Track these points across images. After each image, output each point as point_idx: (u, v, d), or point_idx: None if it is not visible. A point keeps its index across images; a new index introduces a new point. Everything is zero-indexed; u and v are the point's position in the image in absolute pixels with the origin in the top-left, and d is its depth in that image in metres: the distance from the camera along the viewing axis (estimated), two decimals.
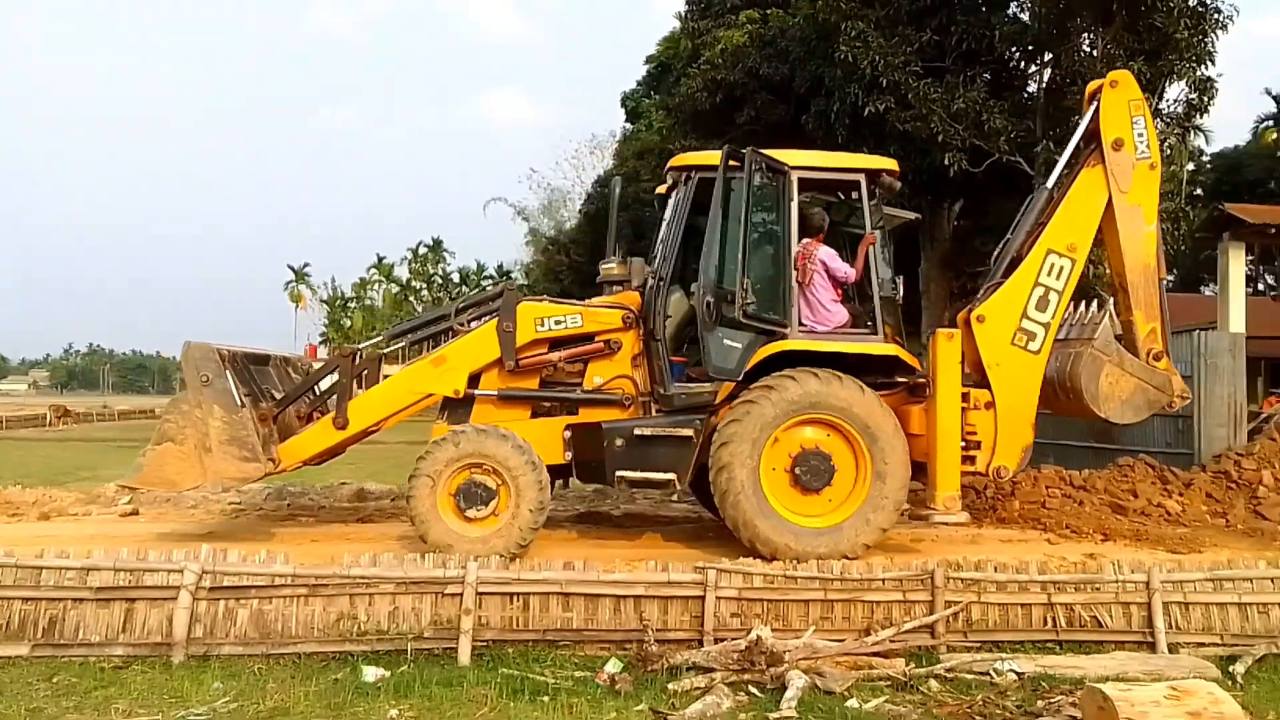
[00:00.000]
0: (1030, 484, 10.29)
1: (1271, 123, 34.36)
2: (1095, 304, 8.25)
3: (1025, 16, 17.32)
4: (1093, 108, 7.96)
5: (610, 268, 8.16)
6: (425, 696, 5.26)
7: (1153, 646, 6.34)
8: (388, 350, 8.51)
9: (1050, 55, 17.30)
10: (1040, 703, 5.32)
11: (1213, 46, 15.09)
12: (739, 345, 7.36)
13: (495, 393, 7.55)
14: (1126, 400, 7.79)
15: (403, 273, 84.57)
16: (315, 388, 7.95)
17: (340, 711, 5.03)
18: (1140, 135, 7.97)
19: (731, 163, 7.29)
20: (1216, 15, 15.01)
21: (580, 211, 46.66)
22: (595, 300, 7.98)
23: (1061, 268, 7.84)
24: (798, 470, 7.15)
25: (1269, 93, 34.46)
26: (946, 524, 7.74)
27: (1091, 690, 4.79)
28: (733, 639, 5.95)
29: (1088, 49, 16.08)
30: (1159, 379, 7.82)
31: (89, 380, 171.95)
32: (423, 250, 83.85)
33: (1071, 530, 8.66)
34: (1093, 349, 7.76)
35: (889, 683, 5.66)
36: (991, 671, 5.85)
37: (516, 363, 7.47)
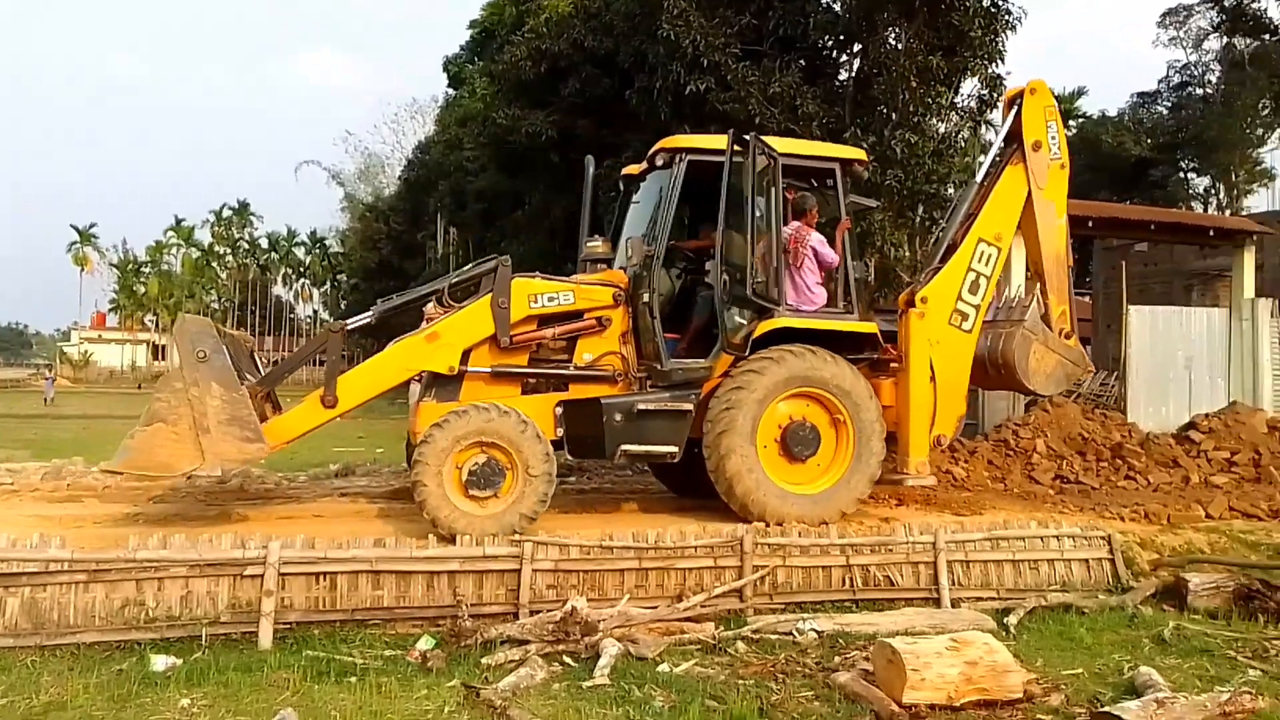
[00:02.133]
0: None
1: None
2: (1023, 288, 9.19)
3: (837, 7, 18.03)
4: (1014, 111, 8.79)
5: (595, 246, 8.37)
6: (221, 684, 4.96)
7: (938, 603, 6.86)
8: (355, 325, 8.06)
9: (859, 46, 18.14)
10: (837, 659, 5.61)
11: (1003, 46, 16.29)
12: (744, 321, 7.72)
13: (488, 369, 7.50)
14: (1050, 374, 8.67)
15: (204, 236, 79.30)
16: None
17: (125, 703, 4.68)
18: (1053, 138, 8.87)
19: (736, 148, 7.56)
20: (1008, 16, 16.19)
21: (400, 178, 45.22)
22: (584, 277, 8.08)
23: (990, 255, 8.60)
24: (787, 440, 7.60)
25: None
26: (920, 486, 8.37)
27: (881, 644, 5.12)
28: (549, 610, 5.97)
29: (893, 42, 16.96)
30: (1075, 354, 8.81)
31: None
32: (227, 213, 78.85)
33: (869, 497, 9.22)
34: (1024, 329, 8.55)
35: (699, 646, 5.83)
36: (794, 631, 6.13)
37: (510, 339, 7.45)
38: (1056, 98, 9.39)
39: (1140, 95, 38.89)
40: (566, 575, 6.29)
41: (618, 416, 7.44)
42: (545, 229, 30.69)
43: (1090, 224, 14.27)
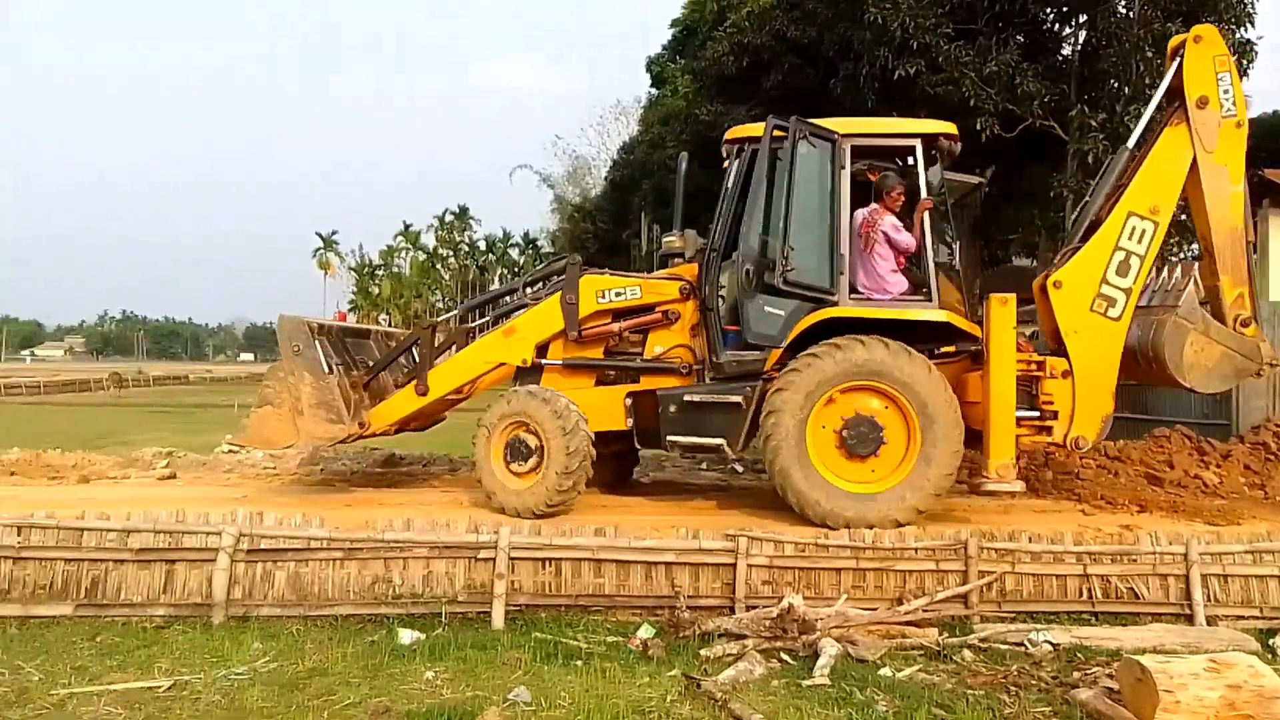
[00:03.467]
0: (1064, 455, 10.18)
1: None
2: (1179, 269, 7.96)
3: None
4: (1175, 64, 7.66)
5: (671, 241, 8.32)
6: (460, 659, 5.31)
7: (1190, 619, 6.29)
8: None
9: (1085, 17, 16.91)
10: (1076, 674, 5.28)
11: (1252, 8, 14.70)
12: (782, 313, 7.44)
13: (560, 362, 7.92)
14: (1213, 369, 7.53)
15: (429, 240, 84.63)
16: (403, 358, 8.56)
17: (377, 673, 5.09)
18: (1226, 92, 7.65)
19: (776, 132, 7.32)
20: None
21: (605, 179, 46.42)
22: (657, 273, 8.21)
23: (1144, 230, 7.57)
24: (845, 435, 7.16)
25: None
26: (999, 492, 7.56)
27: (1129, 662, 4.75)
28: (764, 606, 5.97)
29: (1123, 10, 15.70)
30: (1247, 346, 7.57)
31: (123, 347, 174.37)
32: (449, 218, 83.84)
33: (1107, 501, 8.55)
34: (1176, 316, 7.50)
35: (922, 652, 5.65)
36: (1026, 642, 5.82)
37: (579, 333, 7.80)
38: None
39: None
40: (781, 572, 6.25)
41: (671, 407, 7.51)
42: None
43: None
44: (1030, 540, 6.52)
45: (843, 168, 7.47)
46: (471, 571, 6.08)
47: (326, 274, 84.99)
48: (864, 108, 18.61)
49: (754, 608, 6.01)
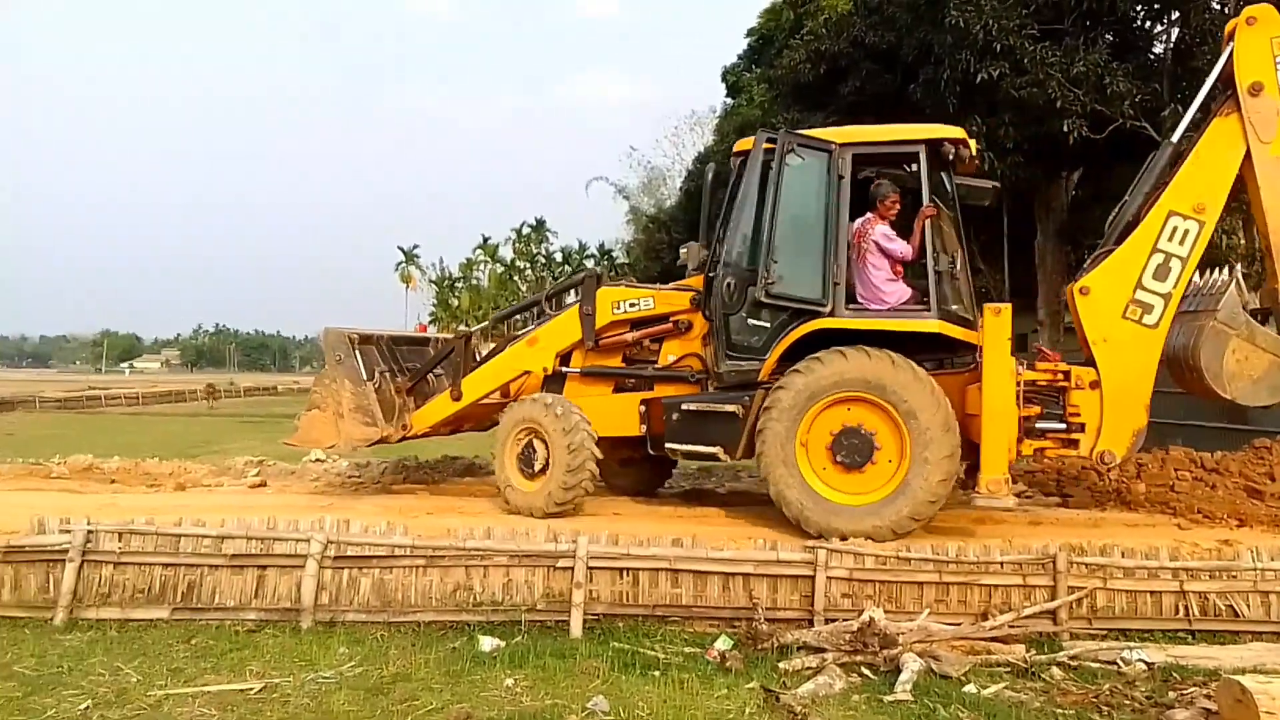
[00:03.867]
0: (1158, 466, 9.81)
1: None
2: (1225, 271, 7.47)
3: None
4: (1228, 49, 7.14)
5: (684, 252, 8.73)
6: (539, 667, 5.35)
7: None
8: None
9: (1178, 14, 16.33)
10: (1171, 694, 5.07)
11: None
12: (767, 324, 7.55)
13: (579, 370, 8.37)
14: (1260, 379, 6.98)
15: (507, 253, 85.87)
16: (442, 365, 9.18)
17: (459, 679, 5.17)
18: None
19: (767, 145, 7.45)
20: None
21: (680, 189, 46.50)
22: (671, 284, 8.55)
23: (1186, 231, 7.06)
24: (837, 446, 7.14)
25: None
26: (992, 508, 7.43)
27: (1228, 682, 4.54)
28: (844, 619, 5.88)
29: (1217, 6, 15.12)
30: None
31: (216, 358, 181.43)
32: (526, 230, 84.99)
33: (1203, 515, 8.22)
34: (1215, 322, 7.03)
35: (1008, 669, 5.49)
36: (1118, 660, 5.61)
37: (596, 342, 8.25)
38: None
39: None
40: (861, 585, 6.15)
41: (673, 415, 7.74)
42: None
43: None
44: (1123, 555, 6.29)
45: (841, 177, 7.41)
46: (550, 580, 6.14)
47: (408, 287, 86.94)
48: (945, 112, 18.29)
49: (833, 621, 5.93)
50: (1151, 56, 17.95)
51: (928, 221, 7.36)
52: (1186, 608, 6.17)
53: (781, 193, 7.40)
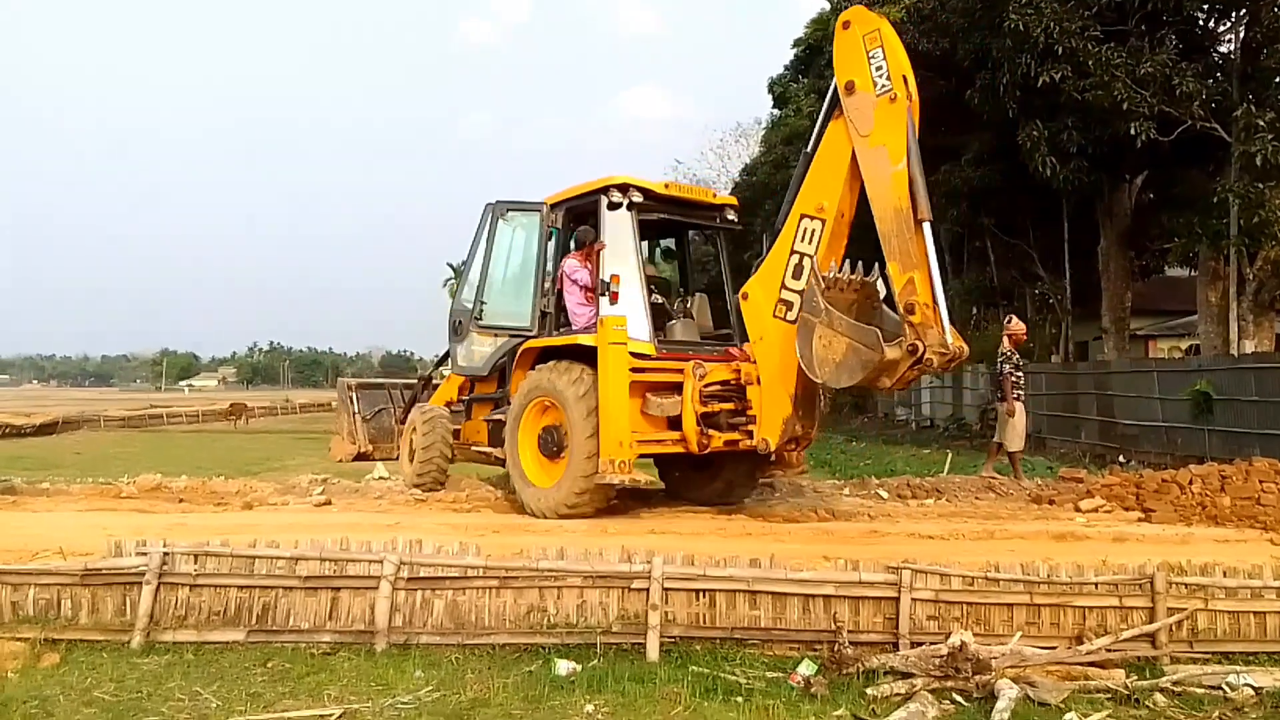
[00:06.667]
0: (1242, 478, 9.44)
1: None
2: (859, 265, 7.64)
3: None
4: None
5: None
6: (618, 692, 5.20)
7: None
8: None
9: (1245, 12, 15.88)
10: None
11: None
12: (488, 349, 9.99)
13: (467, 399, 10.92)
14: (841, 363, 7.12)
15: None
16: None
17: (538, 704, 5.05)
18: (879, 69, 7.39)
19: (488, 210, 9.96)
20: None
21: None
22: None
23: (813, 231, 7.69)
24: (540, 440, 9.13)
25: None
26: (617, 484, 8.37)
27: None
28: (930, 643, 5.66)
29: None
30: (868, 336, 6.96)
31: (270, 376, 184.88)
32: None
33: None
34: (803, 313, 7.34)
35: (1109, 695, 5.23)
36: (1224, 685, 5.33)
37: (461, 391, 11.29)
38: None
39: None
40: (948, 607, 5.92)
41: (490, 426, 10.29)
42: (873, 241, 29.98)
43: None
44: (1225, 574, 5.99)
45: (552, 227, 9.58)
46: (625, 601, 5.98)
47: None
48: (1003, 117, 17.96)
49: (919, 644, 5.71)
50: (1218, 56, 17.48)
51: (600, 253, 9.00)
52: None
53: (493, 250, 9.95)
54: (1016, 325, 12.38)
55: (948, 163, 22.42)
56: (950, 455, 16.53)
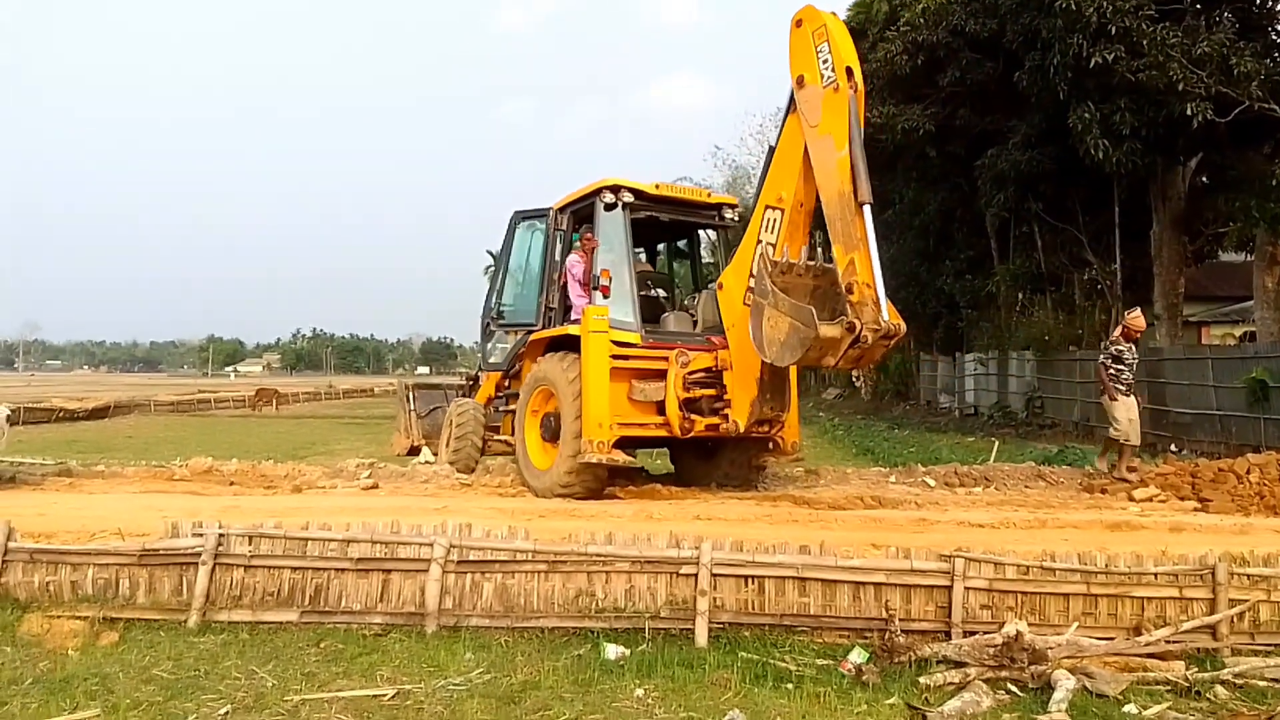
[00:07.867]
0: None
1: None
2: (819, 251, 8.09)
3: None
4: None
5: None
6: (668, 677, 5.20)
7: None
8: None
9: None
10: None
11: None
12: (510, 346, 10.92)
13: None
14: (784, 342, 7.36)
15: None
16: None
17: (588, 688, 5.05)
18: (825, 62, 7.70)
19: (517, 222, 10.96)
20: None
21: None
22: None
23: (774, 220, 8.03)
24: (542, 424, 9.78)
25: None
26: (597, 462, 8.87)
27: None
28: (984, 632, 5.58)
29: None
30: (803, 314, 7.21)
31: (313, 362, 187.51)
32: None
33: None
34: (753, 295, 7.64)
35: (1169, 688, 5.13)
36: None
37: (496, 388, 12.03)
38: None
39: None
40: (1002, 596, 5.83)
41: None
42: (917, 227, 29.61)
43: None
44: None
45: (559, 230, 10.36)
46: (673, 587, 5.98)
47: None
48: (1053, 99, 17.60)
49: (972, 633, 5.64)
50: (1276, 35, 16.99)
51: (594, 250, 9.71)
52: None
53: (511, 254, 11.05)
54: (1136, 319, 11.35)
55: (994, 147, 22.04)
56: (997, 443, 16.29)
